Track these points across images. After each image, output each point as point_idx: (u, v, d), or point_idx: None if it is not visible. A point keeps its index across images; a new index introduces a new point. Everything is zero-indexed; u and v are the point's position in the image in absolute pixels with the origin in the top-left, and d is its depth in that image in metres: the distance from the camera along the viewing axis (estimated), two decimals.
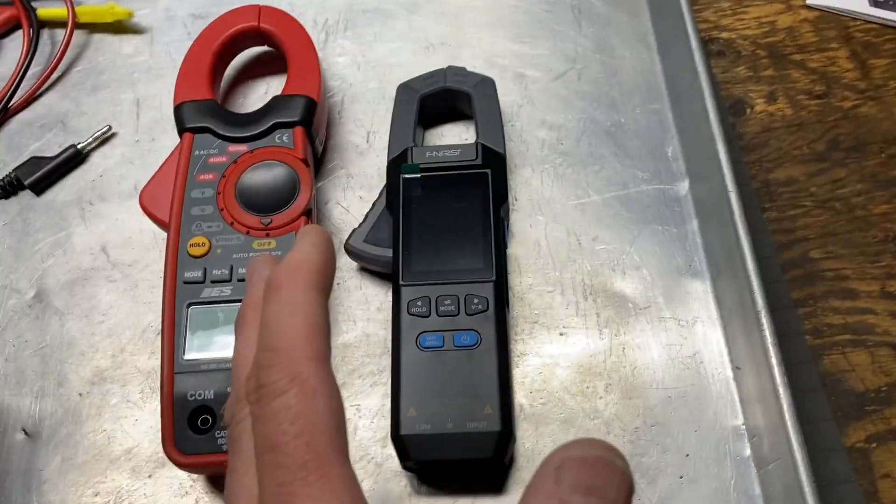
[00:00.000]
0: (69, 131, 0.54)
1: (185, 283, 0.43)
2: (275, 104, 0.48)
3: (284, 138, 0.47)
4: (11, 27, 0.58)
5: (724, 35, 0.56)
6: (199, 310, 0.43)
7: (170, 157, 0.47)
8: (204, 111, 0.48)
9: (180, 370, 0.41)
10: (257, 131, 0.47)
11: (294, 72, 0.49)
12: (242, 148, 0.47)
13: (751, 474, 0.42)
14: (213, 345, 0.42)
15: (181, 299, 0.43)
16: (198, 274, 0.43)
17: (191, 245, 0.44)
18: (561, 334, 0.46)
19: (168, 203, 0.46)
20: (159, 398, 0.41)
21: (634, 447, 0.43)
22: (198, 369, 0.41)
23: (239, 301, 0.43)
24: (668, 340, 0.45)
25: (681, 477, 0.42)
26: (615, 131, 0.51)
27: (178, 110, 0.48)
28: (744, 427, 0.43)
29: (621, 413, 0.43)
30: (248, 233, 0.44)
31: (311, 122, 0.48)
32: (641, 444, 0.43)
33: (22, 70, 0.54)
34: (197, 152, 0.47)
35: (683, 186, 0.50)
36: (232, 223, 0.45)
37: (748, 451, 0.42)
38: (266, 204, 0.45)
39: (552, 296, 0.47)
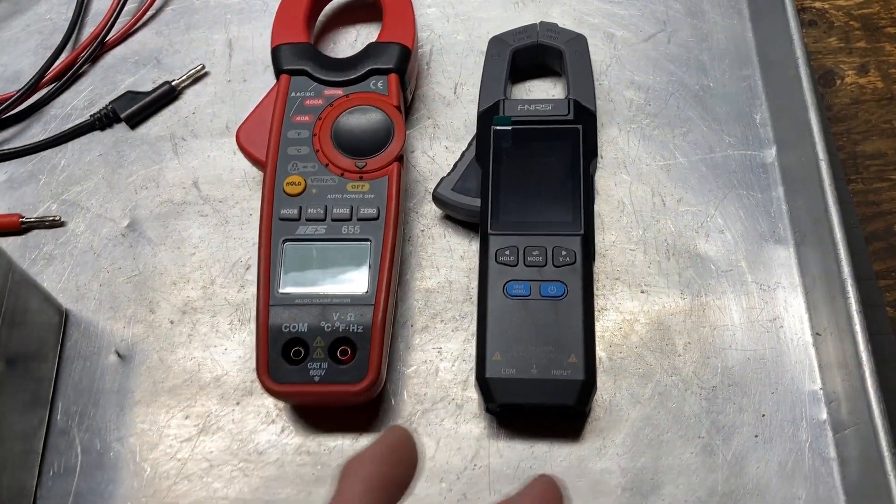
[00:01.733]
0: (163, 68, 0.55)
1: (281, 219, 0.45)
2: (370, 50, 0.49)
3: (379, 84, 0.48)
4: None
5: (817, 4, 0.55)
6: (294, 246, 0.44)
7: (266, 97, 0.48)
8: (301, 54, 0.49)
9: (275, 303, 0.43)
10: (353, 76, 0.48)
11: (389, 20, 0.50)
12: (338, 92, 0.48)
13: (826, 437, 0.42)
14: (307, 280, 0.43)
15: (277, 235, 0.44)
16: (293, 212, 0.45)
17: (287, 184, 0.45)
18: (642, 292, 0.46)
19: (263, 142, 0.47)
20: (255, 328, 0.43)
21: (711, 405, 0.43)
22: (292, 303, 0.43)
23: (333, 240, 0.44)
24: (749, 304, 0.46)
25: (756, 436, 0.43)
26: (703, 95, 0.52)
27: (275, 52, 0.49)
28: (821, 391, 0.43)
29: (699, 371, 0.44)
30: (342, 175, 0.45)
31: (405, 69, 0.48)
32: (718, 403, 0.43)
33: (118, 7, 0.55)
34: (293, 94, 0.48)
35: (770, 153, 0.50)
36: (327, 164, 0.46)
37: (825, 415, 0.43)
38: (361, 148, 0.46)
39: (634, 254, 0.47)
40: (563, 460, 0.43)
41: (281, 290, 0.43)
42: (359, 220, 0.44)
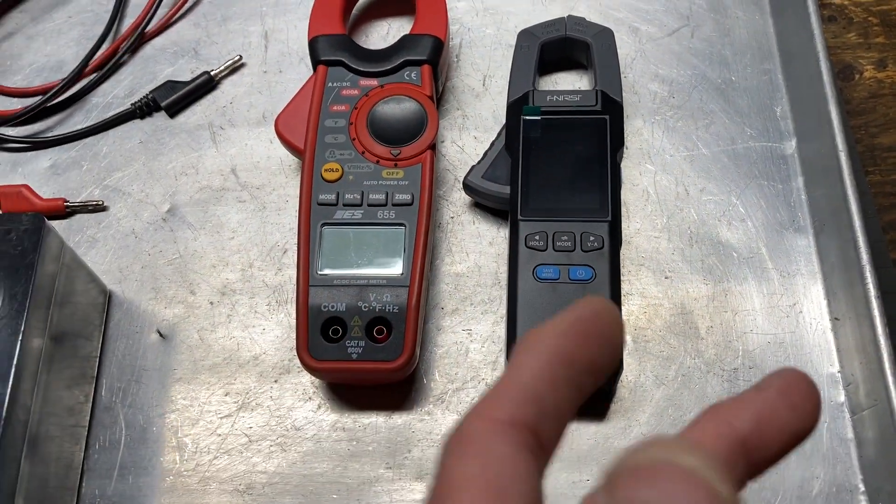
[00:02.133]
0: (200, 59, 0.57)
1: (320, 204, 0.46)
2: (404, 42, 0.50)
3: (413, 75, 0.50)
4: None
5: (837, 0, 0.57)
6: (332, 230, 0.46)
7: (304, 87, 0.50)
8: (337, 45, 0.50)
9: (315, 283, 0.44)
10: (388, 67, 0.50)
11: (423, 12, 0.51)
12: (373, 82, 0.49)
13: (844, 419, 0.44)
14: (345, 262, 0.45)
15: (315, 219, 0.46)
16: (331, 197, 0.46)
17: (325, 170, 0.47)
18: (666, 277, 0.48)
19: (302, 130, 0.49)
20: (295, 308, 0.45)
21: (732, 386, 0.45)
22: (331, 283, 0.44)
23: (369, 224, 0.46)
24: (770, 290, 0.47)
25: None
26: (725, 88, 0.53)
27: (312, 43, 0.51)
28: (839, 374, 0.45)
29: (721, 354, 0.46)
30: (377, 162, 0.47)
31: (438, 61, 0.50)
32: (739, 385, 0.45)
33: None
34: (330, 84, 0.49)
35: (790, 145, 0.51)
36: (363, 152, 0.47)
37: (843, 398, 0.44)
38: (395, 136, 0.48)
39: (658, 241, 0.49)
40: (588, 439, 0.44)
41: (320, 272, 0.45)
42: (394, 205, 0.46)
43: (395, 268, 0.45)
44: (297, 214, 0.46)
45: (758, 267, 0.48)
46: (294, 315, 0.48)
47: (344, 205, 0.46)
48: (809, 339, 0.46)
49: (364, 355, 0.43)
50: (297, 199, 0.51)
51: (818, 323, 0.46)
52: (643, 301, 0.47)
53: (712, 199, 0.50)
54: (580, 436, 0.44)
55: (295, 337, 0.46)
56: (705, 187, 0.50)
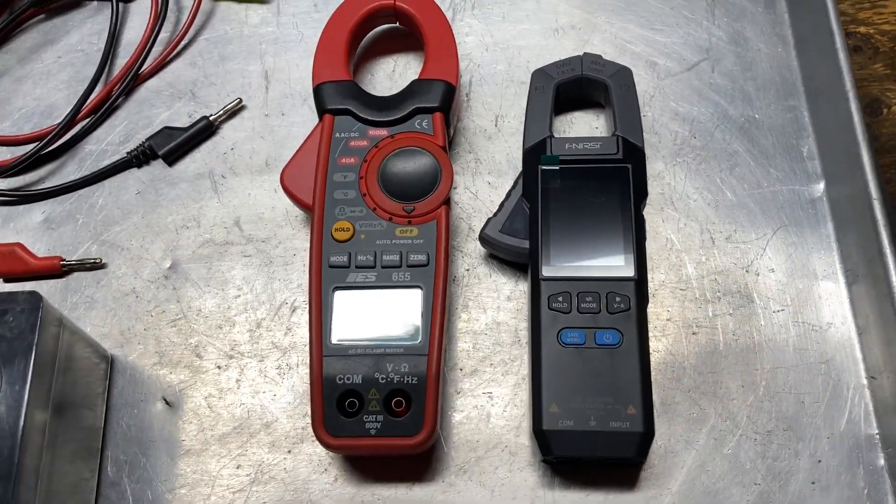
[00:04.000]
0: (198, 101, 0.54)
1: (331, 266, 0.44)
2: (414, 88, 0.48)
3: (424, 124, 0.47)
4: None
5: (862, 29, 0.54)
6: (345, 294, 0.44)
7: (309, 137, 0.48)
8: (344, 93, 0.48)
9: (329, 353, 0.42)
10: (398, 116, 0.47)
11: (432, 55, 0.49)
12: (383, 132, 0.47)
13: (884, 485, 0.42)
14: (359, 330, 0.43)
15: (327, 283, 0.44)
16: (343, 259, 0.44)
17: (335, 229, 0.45)
18: (693, 333, 0.46)
19: (309, 185, 0.46)
20: (309, 379, 0.42)
21: (766, 449, 0.43)
22: (345, 353, 0.42)
23: (383, 287, 0.44)
24: (801, 345, 0.45)
25: (812, 483, 0.42)
26: (749, 127, 0.51)
27: (317, 91, 0.48)
28: (878, 436, 0.43)
29: (753, 415, 0.44)
30: (390, 219, 0.45)
31: (449, 107, 0.48)
32: (773, 448, 0.43)
33: (152, 37, 0.54)
34: (338, 134, 0.47)
35: (819, 188, 0.49)
36: (374, 209, 0.45)
37: (882, 461, 0.43)
38: (408, 191, 0.45)
39: (685, 293, 0.47)
40: None
41: (334, 341, 0.43)
42: (409, 266, 0.44)
43: (413, 335, 0.43)
44: (308, 277, 0.44)
45: (789, 320, 0.46)
46: (306, 380, 0.46)
47: (357, 267, 0.44)
48: (846, 398, 0.44)
49: (383, 431, 0.41)
50: (305, 252, 0.49)
51: (855, 380, 0.44)
52: (671, 359, 0.45)
53: (739, 248, 0.48)
54: None
55: (309, 408, 0.44)
56: (731, 235, 0.48)
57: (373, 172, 0.46)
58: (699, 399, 0.44)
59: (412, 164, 0.46)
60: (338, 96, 0.48)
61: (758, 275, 0.47)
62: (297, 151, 0.47)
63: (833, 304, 0.46)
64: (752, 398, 0.44)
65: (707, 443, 0.44)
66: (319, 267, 0.44)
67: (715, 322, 0.46)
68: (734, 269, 0.47)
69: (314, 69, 0.49)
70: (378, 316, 0.43)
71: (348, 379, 0.42)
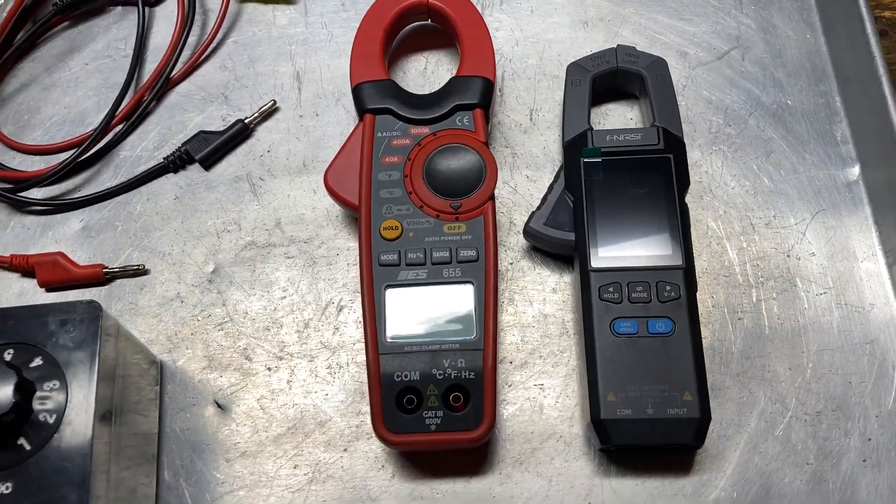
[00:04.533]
0: (231, 104, 0.54)
1: (382, 265, 0.44)
2: (453, 86, 0.48)
3: (465, 121, 0.47)
4: None
5: (887, 14, 0.55)
6: (398, 292, 0.44)
7: (350, 137, 0.48)
8: (383, 92, 0.48)
9: (385, 351, 0.43)
10: (438, 114, 0.47)
11: (468, 52, 0.49)
12: (425, 130, 0.47)
13: None
14: (414, 327, 0.43)
15: (379, 282, 0.44)
16: (393, 257, 0.44)
17: (384, 228, 0.45)
18: (739, 319, 0.47)
19: (353, 185, 0.46)
20: (367, 377, 0.43)
21: (817, 430, 0.44)
22: (401, 350, 0.43)
23: (434, 283, 0.44)
24: (845, 327, 0.46)
25: (864, 461, 0.43)
26: (782, 113, 0.52)
27: (357, 91, 0.48)
28: None
29: (802, 397, 0.45)
30: (437, 216, 0.45)
31: (489, 103, 0.48)
32: (823, 428, 0.44)
33: (181, 41, 0.54)
34: (380, 134, 0.47)
35: (854, 171, 0.50)
36: (421, 206, 0.45)
37: None
38: (454, 188, 0.45)
39: (728, 280, 0.47)
40: (675, 494, 0.43)
41: (389, 339, 0.43)
42: (458, 262, 0.44)
43: (468, 330, 0.43)
44: (359, 276, 0.44)
45: (832, 303, 0.47)
46: (357, 379, 0.46)
47: (407, 264, 0.44)
48: (891, 378, 0.45)
49: (443, 426, 0.41)
50: (348, 251, 0.49)
51: None
52: (718, 345, 0.46)
53: (779, 233, 0.48)
54: (666, 492, 0.43)
55: (363, 406, 0.44)
56: (770, 220, 0.49)
57: (417, 170, 0.46)
58: (748, 383, 0.45)
59: (456, 161, 0.46)
60: (377, 96, 0.48)
61: (799, 259, 0.48)
62: (339, 152, 0.47)
63: (874, 285, 0.47)
64: (799, 380, 0.45)
65: (758, 425, 0.44)
66: (370, 266, 0.44)
67: (759, 307, 0.47)
68: (775, 254, 0.48)
69: (352, 70, 0.49)
70: (431, 312, 0.43)
71: (406, 376, 0.42)
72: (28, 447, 0.37)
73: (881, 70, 0.48)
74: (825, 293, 0.47)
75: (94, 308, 0.39)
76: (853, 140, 0.50)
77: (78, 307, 0.39)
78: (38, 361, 0.38)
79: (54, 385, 0.38)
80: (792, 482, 0.43)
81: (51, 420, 0.37)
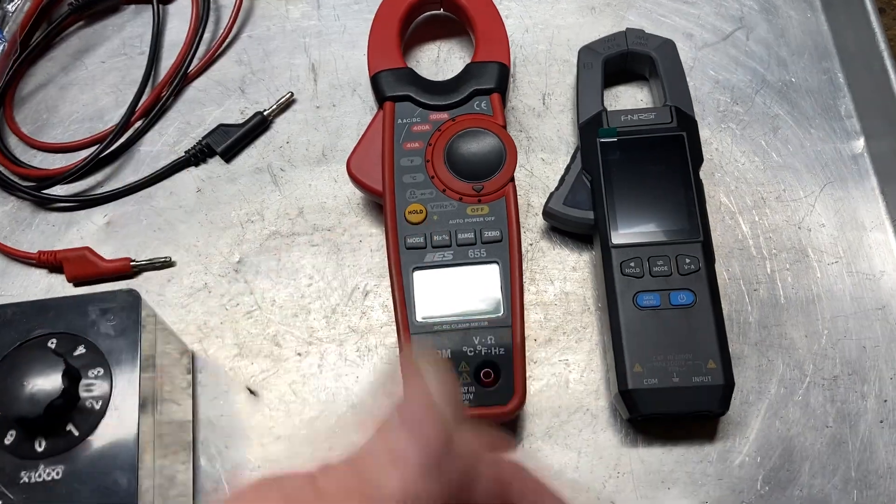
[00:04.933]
0: (248, 98, 0.55)
1: (408, 248, 0.45)
2: (471, 71, 0.49)
3: (483, 105, 0.49)
4: None
5: None
6: (425, 273, 0.45)
7: (370, 125, 0.49)
8: (402, 79, 0.49)
9: (416, 331, 0.44)
10: (457, 99, 0.48)
11: (483, 38, 0.50)
12: (444, 116, 0.48)
13: None
14: (443, 306, 0.44)
15: (406, 264, 0.45)
16: (419, 240, 0.45)
17: (408, 212, 0.46)
18: (754, 290, 0.48)
19: (375, 171, 0.47)
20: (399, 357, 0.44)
21: (834, 394, 0.46)
22: (431, 330, 0.44)
23: (461, 264, 0.45)
24: (857, 294, 0.48)
25: (881, 421, 0.45)
26: (787, 91, 0.53)
27: (375, 80, 0.49)
28: None
29: (819, 363, 0.46)
30: (460, 199, 0.46)
31: (506, 87, 0.49)
32: (841, 392, 0.46)
33: (197, 37, 0.55)
34: (400, 121, 0.48)
35: (859, 144, 0.51)
36: (444, 190, 0.47)
37: None
38: (476, 171, 0.47)
39: (742, 253, 0.49)
40: (701, 461, 0.45)
41: (419, 319, 0.44)
42: (483, 243, 0.45)
43: (496, 308, 0.44)
44: (387, 260, 0.46)
45: (843, 271, 0.48)
46: (387, 361, 0.47)
47: (433, 247, 0.45)
48: None
49: (476, 401, 0.43)
50: (371, 237, 0.50)
51: None
52: (736, 315, 0.48)
53: (789, 206, 0.50)
54: (691, 458, 0.45)
55: None
56: (780, 194, 0.50)
57: (439, 155, 0.47)
58: (766, 351, 0.47)
59: (477, 145, 0.47)
60: (396, 83, 0.49)
61: (810, 230, 0.49)
62: (361, 140, 0.48)
63: (883, 252, 0.49)
64: (816, 347, 0.47)
65: (778, 391, 0.46)
66: (397, 249, 0.45)
67: (774, 277, 0.48)
68: (787, 227, 0.49)
69: (369, 59, 0.50)
70: (459, 292, 0.45)
71: (439, 354, 0.43)
72: (76, 433, 0.38)
73: (882, 45, 0.50)
74: (836, 262, 0.48)
75: (133, 297, 0.40)
76: (857, 114, 0.52)
77: (118, 296, 0.40)
78: (81, 350, 0.39)
79: (98, 373, 0.39)
80: (813, 445, 0.45)
81: (97, 407, 0.38)
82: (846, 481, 0.44)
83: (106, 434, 0.38)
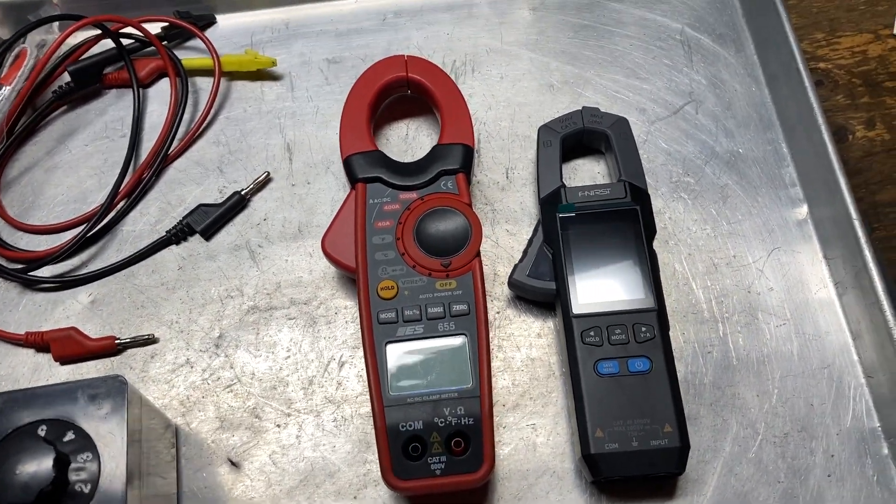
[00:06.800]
0: (226, 177, 0.58)
1: (381, 322, 0.48)
2: (436, 153, 0.52)
3: (449, 184, 0.52)
4: (154, 77, 0.61)
5: (822, 65, 0.61)
6: (397, 347, 0.48)
7: (343, 205, 0.52)
8: (372, 162, 0.52)
9: (389, 404, 0.46)
10: (424, 180, 0.51)
11: (448, 121, 0.54)
12: (412, 195, 0.51)
13: (891, 472, 0.48)
14: (415, 379, 0.47)
15: (379, 338, 0.48)
16: (391, 315, 0.48)
17: (381, 288, 0.49)
18: (708, 352, 0.51)
19: (349, 249, 0.50)
20: (374, 430, 0.46)
21: (785, 450, 0.48)
22: (404, 402, 0.46)
23: (431, 337, 0.48)
24: (804, 354, 0.51)
25: (829, 476, 0.48)
26: (735, 161, 0.57)
27: (348, 163, 0.52)
28: (880, 428, 0.49)
29: (770, 421, 0.49)
30: (429, 274, 0.49)
31: (470, 167, 0.52)
32: (791, 448, 0.48)
33: (177, 119, 0.58)
34: (371, 200, 0.51)
35: (803, 211, 0.55)
36: (414, 266, 0.49)
37: (886, 450, 0.48)
38: (443, 247, 0.50)
39: (696, 317, 0.52)
40: None
41: (392, 392, 0.46)
42: (452, 316, 0.48)
43: (465, 379, 0.47)
44: (361, 334, 0.48)
45: (791, 332, 0.51)
46: (362, 430, 0.50)
47: (405, 321, 0.48)
48: (849, 397, 0.50)
49: (447, 470, 0.45)
50: (346, 310, 0.53)
51: (854, 381, 0.50)
52: (691, 377, 0.50)
53: (740, 271, 0.53)
54: None
55: (369, 456, 0.47)
56: (731, 260, 0.54)
57: (408, 233, 0.50)
58: (721, 411, 0.49)
59: (444, 223, 0.50)
60: (367, 166, 0.52)
61: (759, 294, 0.52)
62: (334, 220, 0.51)
63: (828, 314, 0.52)
64: (767, 406, 0.50)
65: (732, 449, 0.48)
66: (370, 324, 0.48)
67: (726, 340, 0.51)
68: (737, 291, 0.53)
69: (341, 143, 0.53)
70: (430, 364, 0.47)
71: (410, 425, 0.46)
72: None
73: (819, 117, 0.54)
74: (784, 324, 0.52)
75: (119, 382, 0.43)
76: (800, 182, 0.56)
77: (106, 382, 0.43)
78: (70, 435, 0.41)
79: (87, 457, 0.41)
80: (766, 500, 0.47)
81: (86, 490, 0.40)
82: None
83: None
